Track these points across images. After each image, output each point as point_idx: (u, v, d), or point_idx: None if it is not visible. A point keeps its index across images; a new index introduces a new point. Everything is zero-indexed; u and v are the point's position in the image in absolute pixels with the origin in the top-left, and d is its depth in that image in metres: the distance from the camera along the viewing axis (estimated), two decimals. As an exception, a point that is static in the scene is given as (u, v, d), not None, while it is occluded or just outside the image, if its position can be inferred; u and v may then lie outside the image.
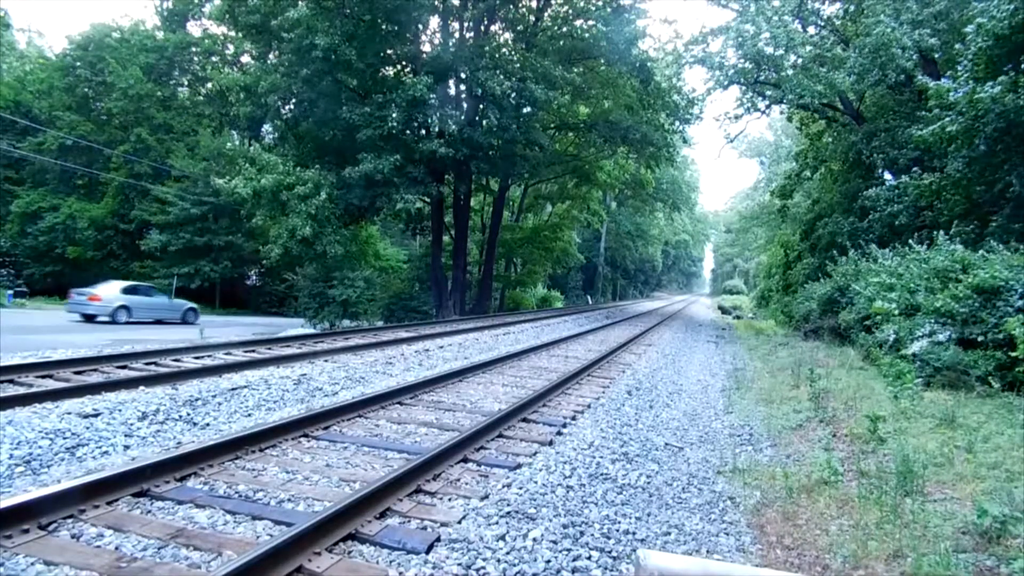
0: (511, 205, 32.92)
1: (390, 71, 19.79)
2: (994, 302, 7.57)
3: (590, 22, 20.83)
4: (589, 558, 3.17)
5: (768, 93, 18.79)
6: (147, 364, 7.59)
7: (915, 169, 13.79)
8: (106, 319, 17.36)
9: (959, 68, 11.18)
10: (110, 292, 18.04)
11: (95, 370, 7.00)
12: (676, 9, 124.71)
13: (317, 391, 6.89)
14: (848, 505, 4.10)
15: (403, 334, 12.98)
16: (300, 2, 16.36)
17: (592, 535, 3.45)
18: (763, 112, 21.01)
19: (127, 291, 18.56)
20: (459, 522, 3.38)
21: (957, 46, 11.63)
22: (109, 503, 3.36)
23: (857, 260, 13.15)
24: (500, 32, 21.70)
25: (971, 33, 10.59)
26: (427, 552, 3.02)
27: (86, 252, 28.00)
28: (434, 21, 20.55)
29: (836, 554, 3.41)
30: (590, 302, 46.38)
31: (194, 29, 31.85)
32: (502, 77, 17.73)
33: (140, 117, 28.30)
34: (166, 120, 29.01)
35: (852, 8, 16.89)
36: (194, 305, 20.85)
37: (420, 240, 31.73)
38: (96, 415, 5.00)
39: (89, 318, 17.50)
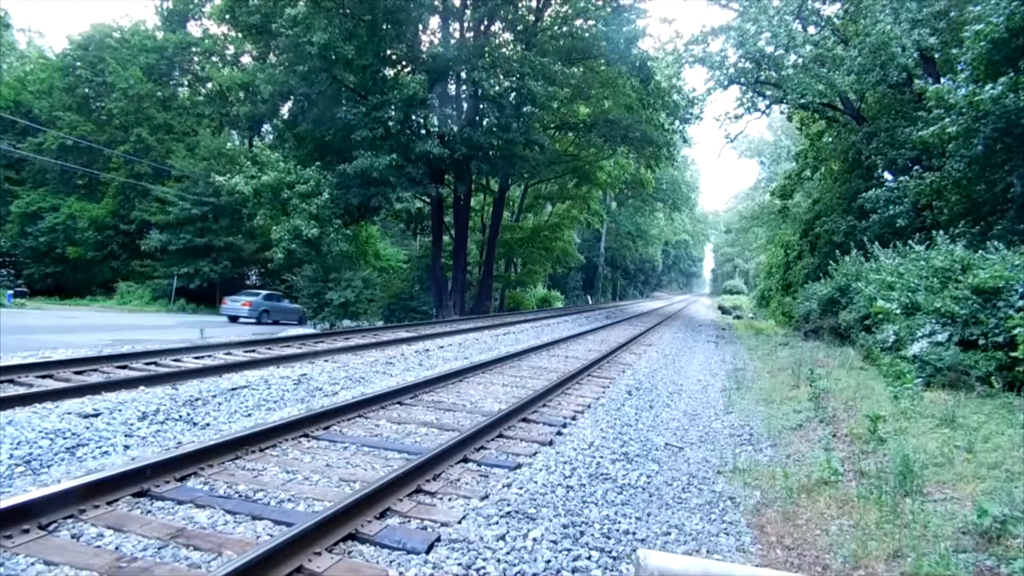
0: (511, 205, 32.92)
1: (390, 72, 19.81)
2: (994, 302, 7.56)
3: (590, 22, 20.84)
4: (589, 558, 3.17)
5: (768, 93, 18.79)
6: (147, 364, 7.58)
7: (916, 168, 13.78)
8: (252, 320, 21.38)
9: (959, 68, 11.19)
10: (256, 299, 22.32)
11: (95, 370, 7.00)
12: (676, 9, 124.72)
13: (317, 391, 6.89)
14: (848, 505, 4.10)
15: (403, 334, 12.98)
16: (299, 1, 16.36)
17: (592, 535, 3.45)
18: (763, 112, 21.00)
19: (267, 298, 22.79)
20: (459, 522, 3.38)
21: (954, 50, 11.64)
22: (109, 503, 3.36)
23: (859, 260, 13.14)
24: (500, 32, 21.71)
25: (969, 38, 10.59)
26: (427, 552, 3.02)
27: (86, 252, 28.00)
28: (434, 21, 20.57)
29: (836, 554, 3.41)
30: (590, 302, 46.38)
31: (194, 29, 31.87)
32: (501, 76, 17.71)
33: (140, 117, 28.30)
34: (166, 120, 29.00)
35: (852, 8, 16.88)
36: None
37: (420, 240, 31.74)
38: (96, 415, 4.99)
39: (234, 319, 21.71)
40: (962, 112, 10.34)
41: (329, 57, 16.16)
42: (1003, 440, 5.05)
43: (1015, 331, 6.34)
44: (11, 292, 23.39)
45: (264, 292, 23.75)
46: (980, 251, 9.07)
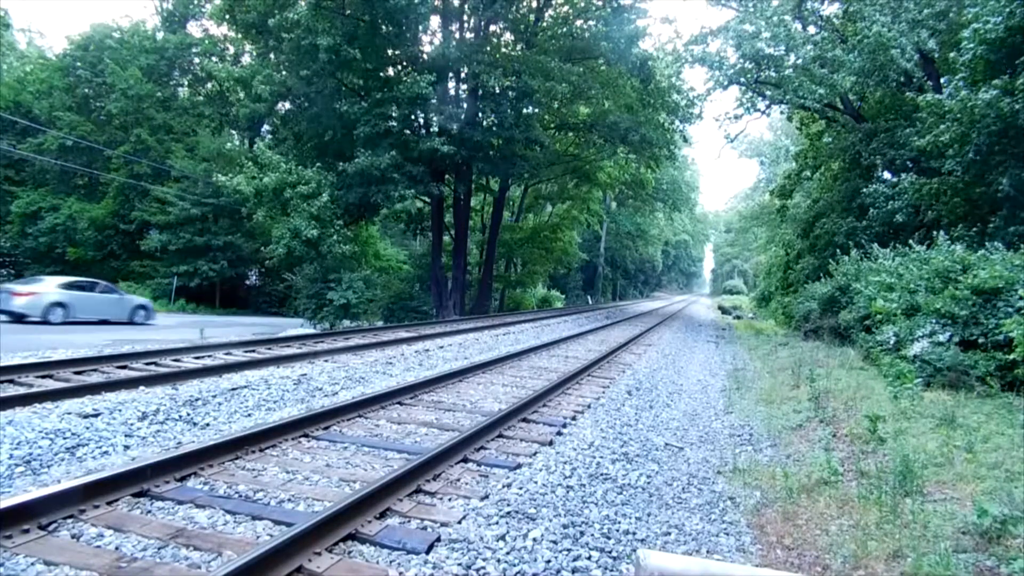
0: (511, 205, 32.90)
1: (391, 72, 19.82)
2: (994, 303, 7.57)
3: (590, 22, 20.83)
4: (589, 558, 3.17)
5: (768, 93, 18.79)
6: (147, 364, 7.58)
7: (912, 173, 13.81)
8: (36, 319, 15.36)
9: (958, 67, 11.20)
10: (45, 289, 16.13)
11: (95, 370, 7.00)
12: (676, 9, 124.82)
13: (317, 391, 6.89)
14: (848, 505, 4.10)
15: (403, 334, 12.97)
16: (300, 2, 16.36)
17: (592, 535, 3.45)
18: (763, 112, 21.00)
19: (69, 287, 16.46)
20: (459, 522, 3.38)
21: (951, 54, 11.67)
22: (109, 503, 3.37)
23: (859, 259, 13.15)
24: (500, 32, 21.71)
25: (966, 38, 10.60)
26: (427, 552, 3.02)
27: (86, 252, 28.00)
28: (434, 21, 20.57)
29: (836, 554, 3.41)
30: (590, 302, 46.37)
31: (194, 29, 31.87)
32: (500, 73, 17.71)
33: (140, 118, 28.28)
34: (166, 120, 29.00)
35: (851, 8, 16.90)
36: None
37: (420, 240, 31.73)
38: (96, 415, 5.00)
39: (18, 318, 15.43)
40: (957, 119, 10.37)
41: (334, 60, 16.16)
42: (1003, 440, 5.05)
43: (1012, 333, 6.34)
44: (11, 292, 23.33)
45: (64, 279, 17.00)
46: (981, 251, 9.07)
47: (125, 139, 28.21)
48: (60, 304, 15.62)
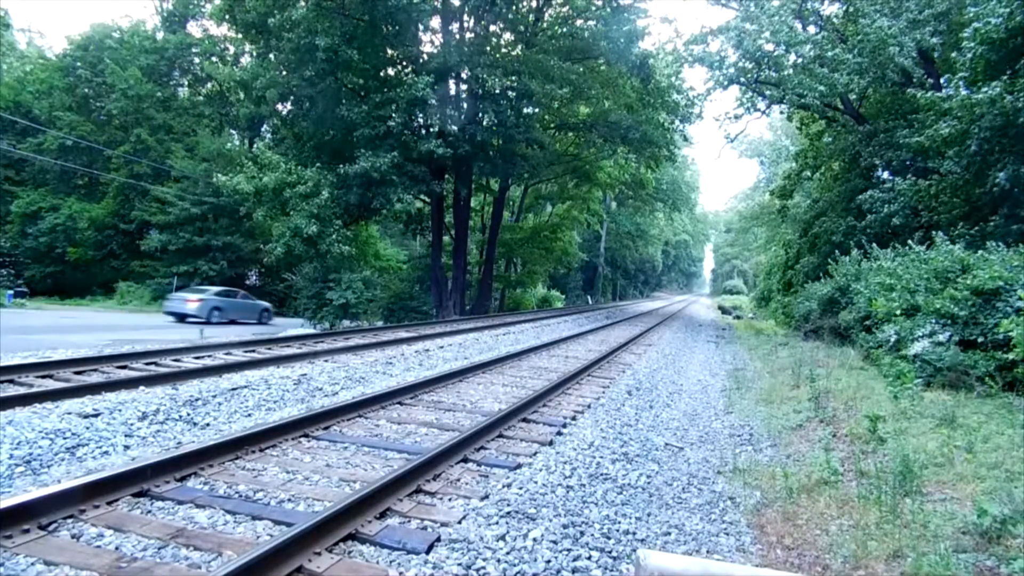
0: (511, 205, 32.91)
1: (391, 72, 19.82)
2: (993, 303, 7.57)
3: (590, 22, 20.83)
4: (589, 558, 3.17)
5: (768, 93, 18.80)
6: (147, 364, 7.58)
7: (910, 176, 13.82)
8: (200, 320, 19.40)
9: (958, 66, 11.21)
10: (206, 295, 20.54)
11: (95, 370, 7.00)
12: (676, 9, 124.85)
13: (317, 391, 6.89)
14: (848, 505, 4.10)
15: (403, 334, 12.98)
16: (300, 2, 16.37)
17: (592, 535, 3.45)
18: (763, 112, 21.04)
19: (220, 294, 21.09)
20: (459, 522, 3.38)
21: (952, 54, 11.69)
22: (109, 503, 3.37)
23: (859, 260, 13.14)
24: (500, 32, 21.71)
25: (967, 38, 10.63)
26: (427, 552, 3.03)
27: (86, 253, 28.02)
28: (435, 22, 20.57)
29: (836, 554, 3.42)
30: (590, 302, 46.38)
31: (194, 29, 31.87)
32: (500, 73, 17.70)
33: (140, 118, 28.30)
34: (166, 120, 29.02)
35: (852, 8, 16.89)
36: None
37: (420, 240, 31.72)
38: (96, 415, 4.99)
39: (182, 318, 19.61)
40: (957, 116, 10.39)
41: (333, 60, 16.18)
42: (1003, 440, 5.05)
43: (1012, 333, 6.34)
44: (11, 292, 23.37)
45: (218, 288, 21.83)
46: (980, 251, 9.07)
47: (125, 139, 28.23)
48: (218, 308, 20.10)
